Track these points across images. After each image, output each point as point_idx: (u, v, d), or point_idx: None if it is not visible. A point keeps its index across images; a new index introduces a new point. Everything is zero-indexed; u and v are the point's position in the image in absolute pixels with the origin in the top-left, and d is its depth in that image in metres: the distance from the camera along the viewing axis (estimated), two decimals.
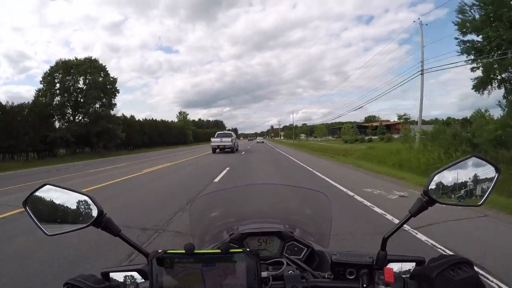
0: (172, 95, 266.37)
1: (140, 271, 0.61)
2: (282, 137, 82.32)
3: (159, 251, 0.51)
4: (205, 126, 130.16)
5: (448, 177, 0.55)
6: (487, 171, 0.55)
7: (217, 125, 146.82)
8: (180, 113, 70.50)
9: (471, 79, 16.29)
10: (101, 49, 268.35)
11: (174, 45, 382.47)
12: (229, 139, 17.70)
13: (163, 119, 50.00)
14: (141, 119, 39.75)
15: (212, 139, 18.29)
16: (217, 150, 17.47)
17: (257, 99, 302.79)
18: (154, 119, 45.15)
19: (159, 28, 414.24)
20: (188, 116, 69.24)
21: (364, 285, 0.54)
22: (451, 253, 2.21)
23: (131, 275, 0.61)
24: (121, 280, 0.61)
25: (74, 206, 0.58)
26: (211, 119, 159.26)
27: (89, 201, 0.57)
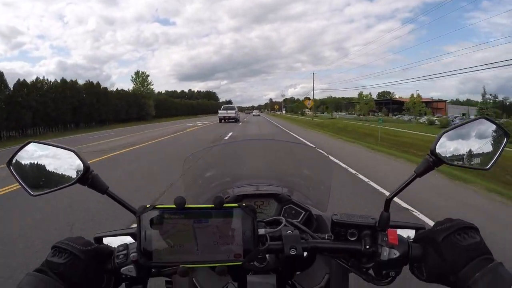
0: (169, 68, 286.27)
1: (133, 235, 0.65)
2: (283, 111, 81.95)
3: (147, 206, 0.52)
4: (195, 97, 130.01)
5: (456, 137, 0.59)
6: (496, 135, 0.60)
7: (209, 96, 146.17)
8: (136, 74, 52.69)
9: None
10: (95, 22, 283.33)
11: (171, 17, 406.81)
12: (233, 111, 26.77)
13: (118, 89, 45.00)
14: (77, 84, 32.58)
15: (220, 111, 27.64)
16: (223, 121, 26.25)
17: (255, 72, 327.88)
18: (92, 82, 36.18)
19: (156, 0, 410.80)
20: (149, 79, 53.58)
21: (367, 247, 0.58)
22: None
23: (125, 239, 0.66)
24: (114, 244, 0.64)
25: (59, 163, 0.61)
26: (225, 99, 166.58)
27: (75, 156, 0.60)
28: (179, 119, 46.95)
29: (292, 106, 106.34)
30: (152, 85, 53.01)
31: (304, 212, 0.85)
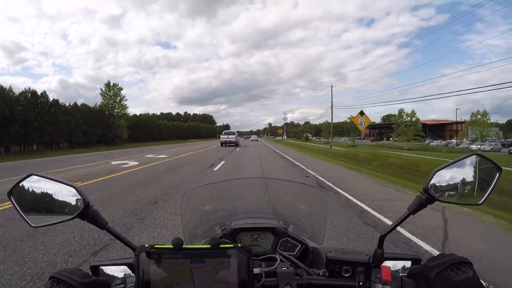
0: (169, 91, 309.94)
1: (130, 266, 0.68)
2: (285, 137, 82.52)
3: (146, 245, 0.57)
4: (191, 120, 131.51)
5: (448, 175, 0.64)
6: (488, 170, 0.65)
7: (205, 119, 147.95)
8: (107, 86, 43.62)
9: None
10: (98, 42, 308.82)
11: (172, 40, 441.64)
12: (234, 136, 30.28)
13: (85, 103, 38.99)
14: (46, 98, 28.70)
15: (221, 136, 31.48)
16: (224, 144, 29.46)
17: (254, 97, 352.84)
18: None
19: (158, 23, 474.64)
20: (123, 93, 44.60)
21: (361, 283, 0.61)
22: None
23: (122, 269, 0.69)
24: (111, 273, 0.68)
25: (60, 197, 0.65)
26: (223, 122, 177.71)
27: (76, 192, 0.64)
28: (160, 145, 40.92)
29: (296, 130, 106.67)
30: (126, 100, 45.24)
31: (300, 245, 0.88)
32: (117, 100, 44.17)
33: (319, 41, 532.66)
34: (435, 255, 0.61)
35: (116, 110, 43.79)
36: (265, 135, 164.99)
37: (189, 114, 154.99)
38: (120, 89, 44.40)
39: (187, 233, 0.99)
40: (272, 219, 0.99)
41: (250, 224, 0.93)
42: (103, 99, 43.54)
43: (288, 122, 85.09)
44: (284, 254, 0.76)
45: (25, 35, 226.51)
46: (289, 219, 1.03)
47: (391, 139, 52.97)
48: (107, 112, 42.15)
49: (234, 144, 28.68)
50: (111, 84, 44.17)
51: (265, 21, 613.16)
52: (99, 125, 38.52)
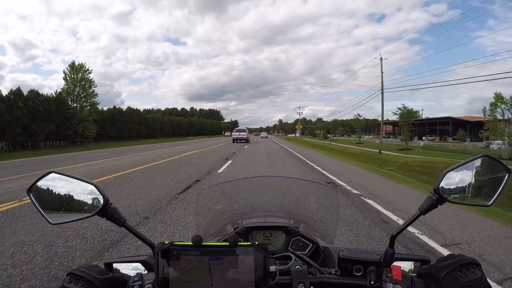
0: (178, 87, 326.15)
1: (144, 263, 0.74)
2: (297, 134, 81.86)
3: (166, 242, 0.61)
4: (196, 115, 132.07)
5: (458, 176, 0.69)
6: (498, 172, 0.69)
7: (212, 115, 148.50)
8: (72, 67, 34.98)
9: None
10: (108, 39, 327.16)
11: (182, 37, 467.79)
12: (245, 133, 34.87)
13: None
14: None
15: (233, 133, 36.09)
16: (236, 141, 33.40)
17: (263, 94, 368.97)
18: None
19: (168, 20, 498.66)
20: (91, 76, 36.10)
21: (372, 282, 0.66)
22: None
23: (134, 266, 0.75)
24: (124, 271, 0.74)
25: (79, 195, 0.71)
26: (231, 118, 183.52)
27: (95, 190, 0.70)
28: (139, 144, 34.01)
29: (313, 126, 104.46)
30: (95, 86, 36.73)
31: (311, 245, 0.94)
32: (86, 86, 35.65)
33: (329, 37, 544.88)
34: (445, 255, 0.65)
35: (83, 100, 35.80)
36: (276, 132, 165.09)
37: (195, 109, 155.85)
38: (88, 71, 36.03)
39: (201, 231, 1.06)
40: (284, 218, 1.05)
41: (262, 222, 0.99)
42: (66, 84, 35.11)
43: (300, 118, 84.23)
44: (297, 253, 0.81)
45: (35, 32, 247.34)
46: (301, 218, 1.09)
47: (449, 139, 48.25)
48: (70, 102, 34.36)
49: (245, 140, 34.22)
50: (76, 65, 35.44)
51: (274, 17, 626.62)
52: (52, 119, 30.12)
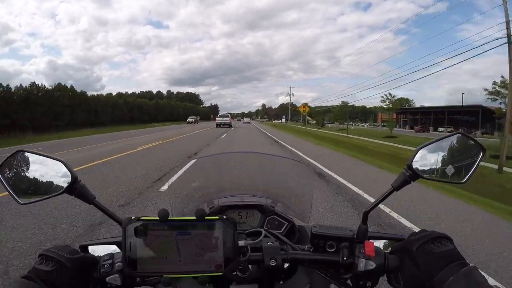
0: (160, 71, 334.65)
1: (118, 244, 0.78)
2: (283, 120, 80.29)
3: (132, 218, 0.63)
4: (173, 98, 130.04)
5: (432, 152, 0.75)
6: (472, 150, 0.75)
7: (190, 99, 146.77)
8: None
9: None
10: (88, 22, 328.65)
11: (164, 20, 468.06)
12: (228, 119, 41.29)
13: None
14: None
15: (217, 118, 42.93)
16: (220, 126, 38.62)
17: (246, 79, 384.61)
18: None
19: (150, 2, 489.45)
20: None
21: (344, 258, 0.71)
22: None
23: (109, 248, 0.79)
24: (99, 252, 0.77)
25: (47, 173, 0.74)
26: (211, 102, 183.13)
27: (63, 167, 0.72)
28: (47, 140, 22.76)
29: (317, 110, 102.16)
30: None
31: (286, 223, 1.00)
32: None
33: (314, 23, 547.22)
34: (416, 231, 0.70)
35: None
36: (259, 117, 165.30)
37: (172, 92, 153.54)
38: None
39: (174, 210, 1.10)
40: (259, 197, 1.11)
41: (237, 201, 1.05)
42: None
43: (290, 102, 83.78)
44: (271, 231, 0.86)
45: (12, 15, 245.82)
46: (277, 197, 1.16)
47: (477, 132, 44.39)
48: None
49: (228, 125, 39.84)
50: None
51: (260, 1, 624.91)
52: None
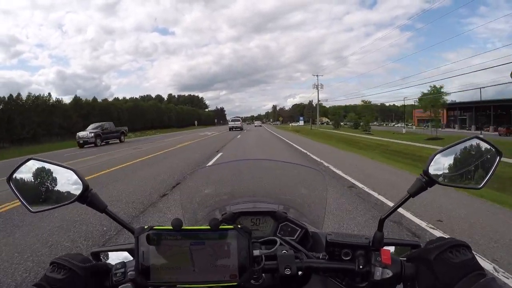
0: (168, 78, 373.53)
1: (130, 251, 0.85)
2: (301, 122, 79.25)
3: (145, 227, 0.70)
4: (174, 101, 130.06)
5: (449, 157, 0.80)
6: (489, 154, 0.81)
7: (192, 102, 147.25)
8: None
9: None
10: (95, 31, 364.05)
11: (170, 26, 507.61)
12: (239, 122, 50.83)
13: None
14: None
15: (229, 122, 54.21)
16: (233, 129, 45.11)
17: (254, 83, 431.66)
18: None
19: (155, 9, 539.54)
20: None
21: (360, 267, 0.76)
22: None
23: (121, 255, 0.86)
24: (111, 260, 0.85)
25: (59, 181, 0.82)
26: (207, 102, 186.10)
27: (74, 175, 0.80)
28: None
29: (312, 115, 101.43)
30: None
31: (300, 230, 1.07)
32: None
33: (319, 24, 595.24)
34: (434, 239, 0.75)
35: None
36: (271, 120, 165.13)
37: (173, 95, 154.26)
38: None
39: (186, 217, 1.19)
40: (272, 203, 1.19)
41: (249, 208, 1.13)
42: None
43: (318, 100, 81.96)
44: (285, 239, 0.92)
45: (19, 27, 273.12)
46: (289, 203, 1.23)
47: None
48: None
49: (239, 128, 48.93)
50: None
51: (264, 3, 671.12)
52: None
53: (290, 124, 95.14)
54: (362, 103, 52.80)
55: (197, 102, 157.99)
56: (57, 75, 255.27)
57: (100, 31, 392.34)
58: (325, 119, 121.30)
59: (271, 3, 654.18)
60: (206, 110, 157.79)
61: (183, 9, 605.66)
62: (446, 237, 0.75)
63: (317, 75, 54.73)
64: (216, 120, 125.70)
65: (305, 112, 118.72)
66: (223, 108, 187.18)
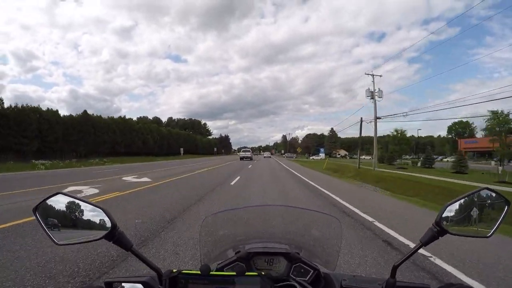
0: (178, 105, 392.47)
1: (145, 284, 0.95)
2: (322, 155, 77.29)
3: (174, 270, 0.82)
4: (173, 125, 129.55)
5: (459, 208, 0.95)
6: (497, 203, 0.96)
7: (193, 127, 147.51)
8: None
9: None
10: (109, 53, 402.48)
11: (183, 54, 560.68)
12: (249, 153, 65.84)
13: None
14: None
15: (240, 153, 72.13)
16: (243, 159, 59.73)
17: (263, 113, 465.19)
18: None
19: (169, 36, 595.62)
20: None
21: None
22: None
23: (135, 287, 0.96)
24: None
25: (86, 217, 0.96)
26: (221, 133, 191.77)
27: (102, 214, 0.94)
28: None
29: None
30: None
31: (312, 271, 1.20)
32: None
33: (329, 56, 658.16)
34: (443, 284, 0.89)
35: None
36: (282, 151, 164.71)
37: (172, 118, 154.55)
38: None
39: (203, 256, 1.34)
40: (285, 244, 1.34)
41: (263, 248, 1.27)
42: None
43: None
44: (299, 280, 1.06)
45: (37, 43, 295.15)
46: (303, 244, 1.39)
47: None
48: None
49: (249, 158, 60.30)
50: None
51: (275, 35, 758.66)
52: None
53: (311, 158, 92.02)
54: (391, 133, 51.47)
55: (198, 127, 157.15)
56: (70, 93, 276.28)
57: (114, 54, 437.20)
58: (342, 152, 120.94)
59: (282, 34, 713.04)
60: (210, 137, 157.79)
61: (196, 38, 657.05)
62: (454, 283, 0.87)
63: (373, 74, 36.27)
64: (216, 149, 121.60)
65: (325, 142, 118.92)
66: (228, 136, 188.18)
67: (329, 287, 1.16)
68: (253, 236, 1.45)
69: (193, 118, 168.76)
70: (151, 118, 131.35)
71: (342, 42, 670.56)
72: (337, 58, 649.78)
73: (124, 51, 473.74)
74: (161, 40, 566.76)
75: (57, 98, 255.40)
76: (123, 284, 1.00)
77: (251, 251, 1.23)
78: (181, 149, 79.77)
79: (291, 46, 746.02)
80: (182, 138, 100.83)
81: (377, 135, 36.53)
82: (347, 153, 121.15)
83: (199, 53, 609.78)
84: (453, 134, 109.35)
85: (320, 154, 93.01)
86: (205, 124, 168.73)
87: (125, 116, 76.81)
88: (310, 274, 1.21)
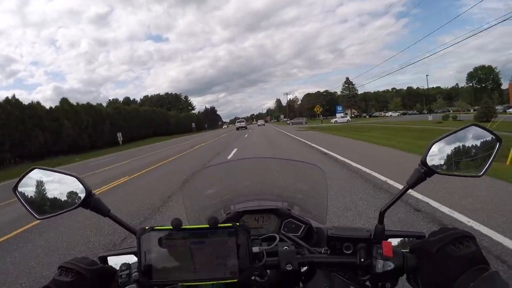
0: (166, 85, 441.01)
1: (136, 253, 1.00)
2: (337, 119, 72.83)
3: (146, 228, 0.88)
4: (147, 104, 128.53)
5: (447, 146, 0.99)
6: (488, 141, 1.00)
7: (170, 102, 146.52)
8: None
9: None
10: (88, 44, 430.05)
11: (164, 32, 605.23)
12: (244, 123, 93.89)
13: None
14: None
15: (236, 123, 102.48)
16: (239, 129, 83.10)
17: (252, 82, 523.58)
18: None
19: (147, 16, 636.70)
20: None
21: (362, 260, 0.94)
22: None
23: (128, 258, 1.07)
24: (118, 263, 1.04)
25: (63, 188, 1.06)
26: (205, 105, 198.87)
27: (77, 182, 1.04)
28: None
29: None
30: None
31: (304, 226, 1.31)
32: None
33: (314, 18, 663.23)
34: (437, 229, 0.91)
35: None
36: (282, 117, 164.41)
37: (148, 96, 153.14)
38: None
39: (190, 218, 1.45)
40: (275, 201, 1.44)
41: (253, 206, 1.37)
42: None
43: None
44: (287, 235, 1.15)
45: (12, 47, 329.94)
46: (293, 200, 1.50)
47: None
48: None
49: (244, 127, 77.61)
50: None
51: (256, 2, 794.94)
52: None
53: (333, 121, 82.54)
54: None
55: (175, 102, 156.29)
56: (54, 91, 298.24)
57: (93, 43, 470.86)
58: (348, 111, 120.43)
59: (263, 1, 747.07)
60: (193, 111, 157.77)
61: (176, 14, 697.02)
62: (449, 227, 0.90)
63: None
64: (194, 125, 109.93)
65: (342, 99, 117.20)
66: (214, 107, 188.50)
67: (322, 240, 1.24)
68: (242, 194, 1.55)
69: (170, 93, 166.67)
70: (121, 100, 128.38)
71: (325, 2, 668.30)
72: (322, 19, 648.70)
73: (103, 39, 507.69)
74: (139, 21, 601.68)
75: (42, 98, 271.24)
76: (116, 257, 1.10)
77: (240, 210, 1.33)
78: (119, 134, 63.46)
79: (273, 11, 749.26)
80: (144, 117, 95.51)
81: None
82: (355, 111, 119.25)
83: (180, 29, 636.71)
84: (475, 81, 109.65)
85: (338, 114, 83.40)
86: (186, 97, 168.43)
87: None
88: (302, 229, 1.30)
